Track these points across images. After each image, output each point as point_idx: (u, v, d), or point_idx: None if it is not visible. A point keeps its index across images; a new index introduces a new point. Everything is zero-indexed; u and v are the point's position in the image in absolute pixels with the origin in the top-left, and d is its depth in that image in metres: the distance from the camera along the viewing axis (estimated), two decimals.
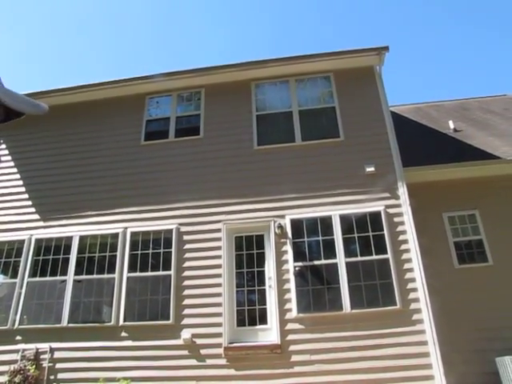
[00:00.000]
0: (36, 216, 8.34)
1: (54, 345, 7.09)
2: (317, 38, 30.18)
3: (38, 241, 8.07)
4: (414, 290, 6.67)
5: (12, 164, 9.11)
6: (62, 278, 7.64)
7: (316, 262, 7.13)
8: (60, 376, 6.88)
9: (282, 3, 28.94)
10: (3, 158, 9.09)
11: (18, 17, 26.40)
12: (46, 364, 6.94)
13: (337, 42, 30.62)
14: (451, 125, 10.83)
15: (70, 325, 7.22)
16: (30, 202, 8.52)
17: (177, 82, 9.19)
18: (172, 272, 7.34)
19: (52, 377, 6.89)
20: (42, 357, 7.02)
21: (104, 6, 28.04)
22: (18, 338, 7.26)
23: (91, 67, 30.63)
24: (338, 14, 29.75)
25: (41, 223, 8.20)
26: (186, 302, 7.13)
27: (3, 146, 9.46)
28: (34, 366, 6.82)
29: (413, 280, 6.74)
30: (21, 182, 8.80)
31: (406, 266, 6.86)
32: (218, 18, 29.81)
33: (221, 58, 31.22)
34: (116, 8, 28.39)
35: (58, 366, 6.95)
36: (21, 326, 7.33)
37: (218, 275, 7.19)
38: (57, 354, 7.04)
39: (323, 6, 28.97)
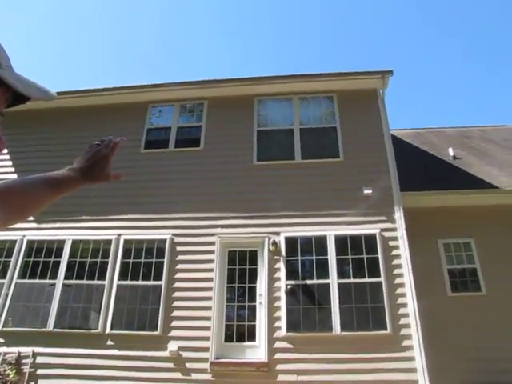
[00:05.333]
0: (30, 217, 8.26)
1: (38, 349, 6.93)
2: (320, 58, 30.51)
3: (30, 242, 7.99)
4: (406, 315, 6.61)
5: (10, 163, 9.08)
6: (52, 281, 7.54)
7: (308, 282, 7.08)
8: (41, 383, 6.73)
9: (289, 22, 29.32)
10: (4, 157, 9.06)
11: (23, 21, 26.62)
12: (27, 369, 6.76)
13: (339, 63, 30.95)
14: (451, 152, 10.87)
15: (56, 330, 7.10)
16: None
17: (181, 92, 9.23)
18: (163, 282, 7.26)
19: (32, 383, 6.73)
20: (23, 361, 6.84)
21: (112, 14, 28.33)
22: (1, 340, 7.11)
23: (96, 73, 30.84)
24: (343, 36, 30.12)
25: (34, 224, 8.12)
26: (175, 313, 7.05)
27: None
28: (14, 371, 6.64)
29: (404, 305, 6.68)
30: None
31: (399, 290, 6.81)
32: (225, 33, 30.14)
33: (223, 71, 31.54)
34: (124, 17, 28.69)
35: (40, 371, 6.80)
36: (4, 329, 7.17)
37: (209, 289, 7.12)
38: (39, 359, 6.89)
39: (329, 28, 29.36)
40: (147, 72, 31.16)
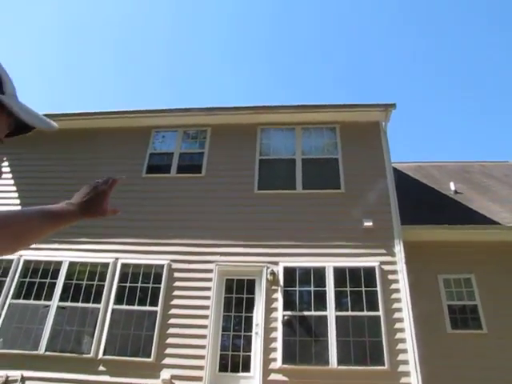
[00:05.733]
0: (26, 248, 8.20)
1: (27, 373, 6.75)
2: (324, 90, 31.00)
3: (27, 262, 7.93)
4: (404, 351, 6.48)
5: (11, 182, 9.10)
6: (46, 302, 7.46)
7: (306, 313, 6.98)
8: None
9: (295, 54, 29.95)
10: (4, 176, 9.08)
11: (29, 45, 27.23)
12: None
13: (343, 96, 31.44)
14: (452, 186, 10.88)
15: (47, 353, 6.96)
16: None
17: (184, 118, 9.34)
18: (159, 308, 7.17)
19: None
20: None
21: (119, 37, 28.97)
22: None
23: (103, 96, 31.32)
24: (348, 70, 30.70)
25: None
26: (170, 340, 6.93)
27: (5, 163, 9.47)
28: None
29: (403, 341, 6.56)
30: (17, 201, 8.75)
31: (398, 325, 6.70)
32: (231, 61, 30.76)
33: (227, 99, 32.06)
34: (132, 42, 29.32)
35: None
36: None
37: (205, 316, 7.03)
38: None
39: (333, 61, 29.97)
40: (152, 97, 31.63)
